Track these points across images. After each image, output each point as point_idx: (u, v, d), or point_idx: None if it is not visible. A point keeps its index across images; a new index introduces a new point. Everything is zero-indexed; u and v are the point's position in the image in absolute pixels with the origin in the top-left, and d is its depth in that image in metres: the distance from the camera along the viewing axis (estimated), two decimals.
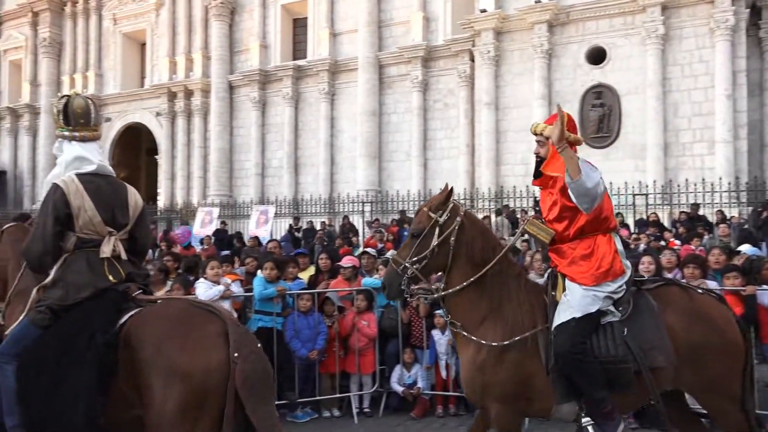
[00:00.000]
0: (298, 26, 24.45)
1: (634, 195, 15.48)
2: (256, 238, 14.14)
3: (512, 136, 18.64)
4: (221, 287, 6.09)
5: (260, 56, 23.92)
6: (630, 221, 14.35)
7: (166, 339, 2.88)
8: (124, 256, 3.31)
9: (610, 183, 13.16)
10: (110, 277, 3.19)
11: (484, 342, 3.52)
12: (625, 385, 3.41)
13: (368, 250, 7.92)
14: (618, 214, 16.16)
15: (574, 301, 3.43)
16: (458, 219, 3.62)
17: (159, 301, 3.27)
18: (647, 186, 15.86)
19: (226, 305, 6.03)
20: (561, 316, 3.44)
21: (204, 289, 5.98)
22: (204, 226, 19.18)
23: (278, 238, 15.26)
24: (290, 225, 18.23)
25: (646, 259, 6.25)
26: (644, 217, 14.28)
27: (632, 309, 3.50)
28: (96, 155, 3.37)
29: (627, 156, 17.05)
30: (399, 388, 6.45)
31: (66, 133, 3.37)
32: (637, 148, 16.90)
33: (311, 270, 7.77)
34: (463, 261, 3.62)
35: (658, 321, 3.46)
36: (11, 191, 30.20)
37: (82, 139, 3.36)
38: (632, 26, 17.01)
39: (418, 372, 6.47)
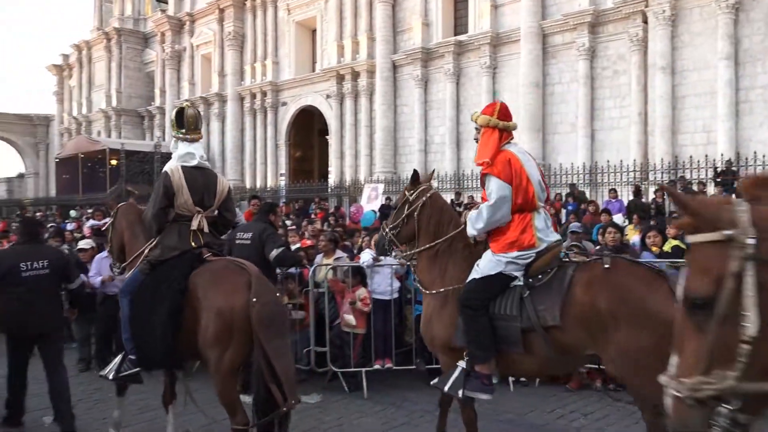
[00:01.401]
0: (459, 1, 24.41)
1: None
2: None
3: (692, 101, 17.19)
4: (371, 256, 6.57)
5: (422, 34, 24.29)
6: None
7: (209, 286, 4.04)
8: (206, 229, 4.44)
9: None
10: (192, 244, 4.34)
11: (427, 292, 4.27)
12: (512, 343, 3.81)
13: None
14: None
15: (482, 264, 3.96)
16: (423, 199, 4.36)
17: (211, 261, 4.32)
18: None
19: (386, 275, 6.49)
20: (471, 275, 3.99)
21: (366, 257, 6.50)
22: (370, 201, 20.14)
23: None
24: (452, 200, 18.51)
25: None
26: None
27: (549, 278, 3.83)
28: (199, 152, 4.51)
29: None
30: None
31: (179, 135, 4.51)
32: None
33: None
34: (424, 232, 4.34)
35: (562, 287, 3.72)
36: None
37: (192, 140, 4.51)
38: None
39: None
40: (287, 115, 30.29)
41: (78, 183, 32.88)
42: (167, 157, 25.92)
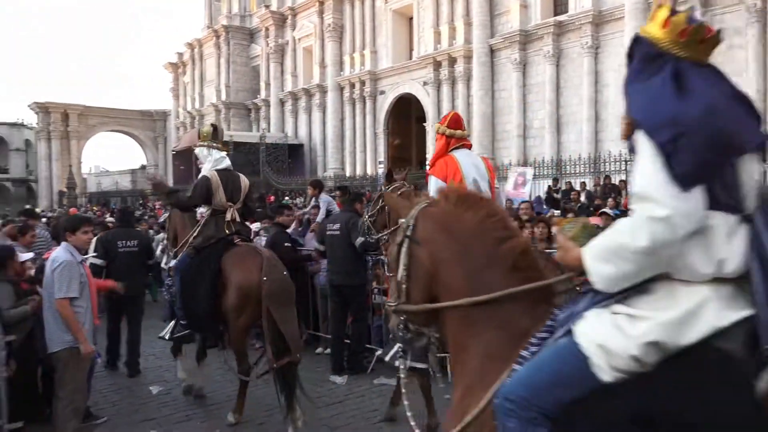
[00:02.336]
0: None
1: None
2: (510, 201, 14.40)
3: None
4: None
5: (520, 16, 23.74)
6: None
7: (233, 266, 5.14)
8: (237, 219, 5.55)
9: None
10: (226, 231, 5.42)
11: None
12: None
13: (607, 210, 7.68)
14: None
15: None
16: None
17: (238, 246, 5.38)
18: None
19: None
20: None
21: None
22: (516, 188, 19.71)
23: (535, 199, 15.36)
24: (549, 186, 18.10)
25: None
26: None
27: None
28: (227, 160, 5.67)
29: None
30: None
31: (214, 145, 5.67)
32: None
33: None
34: (388, 221, 5.20)
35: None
36: (307, 161, 35.01)
37: (222, 150, 5.70)
38: None
39: None
40: (385, 103, 30.68)
41: (192, 173, 35.06)
42: (271, 147, 27.44)
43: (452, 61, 26.48)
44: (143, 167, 50.44)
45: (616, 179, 17.06)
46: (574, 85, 22.34)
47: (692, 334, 1.54)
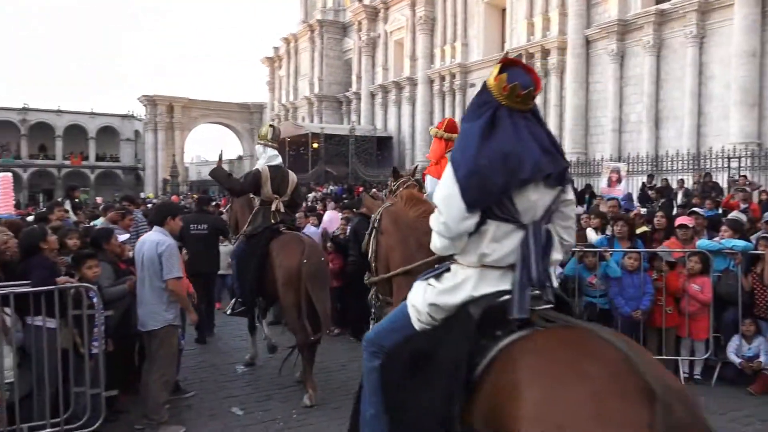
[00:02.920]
0: None
1: None
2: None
3: None
4: None
5: (618, 5, 22.75)
6: None
7: (280, 250, 5.83)
8: (282, 210, 6.17)
9: None
10: (272, 221, 6.07)
11: None
12: None
13: (697, 210, 7.27)
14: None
15: None
16: (401, 189, 4.69)
17: (284, 234, 6.02)
18: None
19: None
20: None
21: None
22: (612, 185, 19.14)
23: (630, 196, 14.74)
24: (643, 183, 17.31)
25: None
26: None
27: None
28: (279, 158, 6.35)
29: None
30: (736, 360, 5.95)
31: (269, 144, 6.30)
32: None
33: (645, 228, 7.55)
34: None
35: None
36: (395, 154, 35.27)
37: (275, 148, 6.35)
38: None
39: (760, 345, 5.86)
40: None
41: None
42: (361, 139, 28.06)
43: (545, 53, 25.80)
44: (240, 158, 52.57)
45: (718, 178, 16.09)
46: (675, 78, 21.19)
47: (455, 300, 2.25)
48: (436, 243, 2.32)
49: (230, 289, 6.95)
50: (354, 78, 39.38)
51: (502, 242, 2.19)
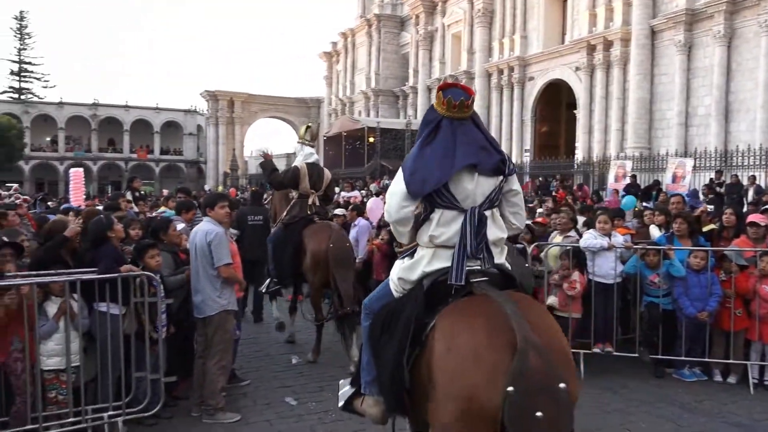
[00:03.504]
0: None
1: None
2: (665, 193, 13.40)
3: None
4: (603, 241, 6.27)
5: None
6: None
7: (311, 237, 6.59)
8: (317, 203, 6.96)
9: None
10: (308, 212, 6.85)
11: None
12: None
13: (757, 221, 6.87)
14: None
15: None
16: None
17: (316, 223, 6.80)
18: None
19: (610, 258, 6.24)
20: None
21: (588, 238, 6.31)
22: (618, 180, 18.93)
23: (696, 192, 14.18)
24: (711, 179, 16.59)
25: None
26: None
27: None
28: (315, 155, 7.21)
29: None
30: None
31: (307, 143, 7.21)
32: None
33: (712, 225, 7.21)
34: None
35: None
36: None
37: (312, 146, 7.23)
38: None
39: None
40: (534, 89, 29.78)
41: (341, 158, 36.50)
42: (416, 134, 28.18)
43: (608, 45, 25.03)
44: (295, 153, 53.24)
45: None
46: (748, 69, 20.20)
47: (414, 274, 2.77)
48: (392, 230, 2.98)
49: (266, 270, 7.47)
50: (411, 72, 39.26)
51: (449, 225, 2.68)
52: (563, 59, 27.79)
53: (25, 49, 59.09)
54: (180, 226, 6.17)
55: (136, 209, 8.63)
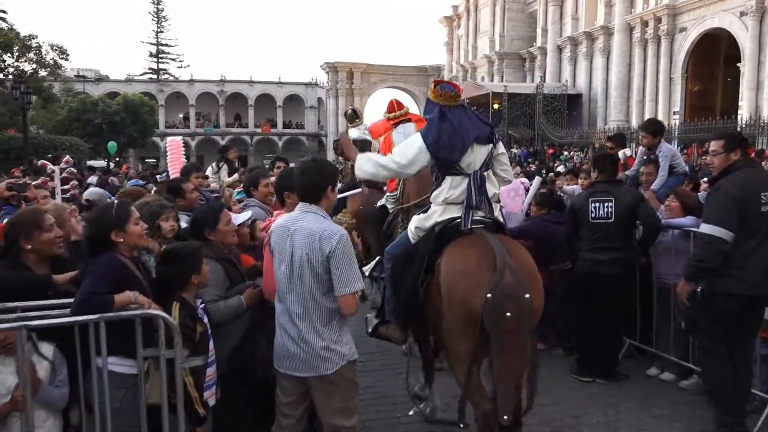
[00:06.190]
0: None
1: None
2: None
3: None
4: None
5: None
6: None
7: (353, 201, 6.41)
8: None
9: None
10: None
11: None
12: None
13: None
14: None
15: None
16: None
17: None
18: None
19: None
20: None
21: None
22: None
23: None
24: None
25: None
26: None
27: None
28: (359, 134, 6.64)
29: None
30: None
31: (357, 124, 6.84)
32: None
33: None
34: None
35: None
36: (585, 113, 32.04)
37: (357, 127, 6.79)
38: None
39: None
40: (685, 42, 26.16)
41: None
42: (549, 98, 25.53)
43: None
44: None
45: None
46: None
47: (428, 223, 3.59)
48: (370, 168, 3.60)
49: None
50: (539, 32, 36.27)
51: (458, 187, 3.48)
52: (724, 4, 24.02)
53: (161, 31, 62.26)
54: (243, 216, 4.01)
55: (221, 184, 7.27)
